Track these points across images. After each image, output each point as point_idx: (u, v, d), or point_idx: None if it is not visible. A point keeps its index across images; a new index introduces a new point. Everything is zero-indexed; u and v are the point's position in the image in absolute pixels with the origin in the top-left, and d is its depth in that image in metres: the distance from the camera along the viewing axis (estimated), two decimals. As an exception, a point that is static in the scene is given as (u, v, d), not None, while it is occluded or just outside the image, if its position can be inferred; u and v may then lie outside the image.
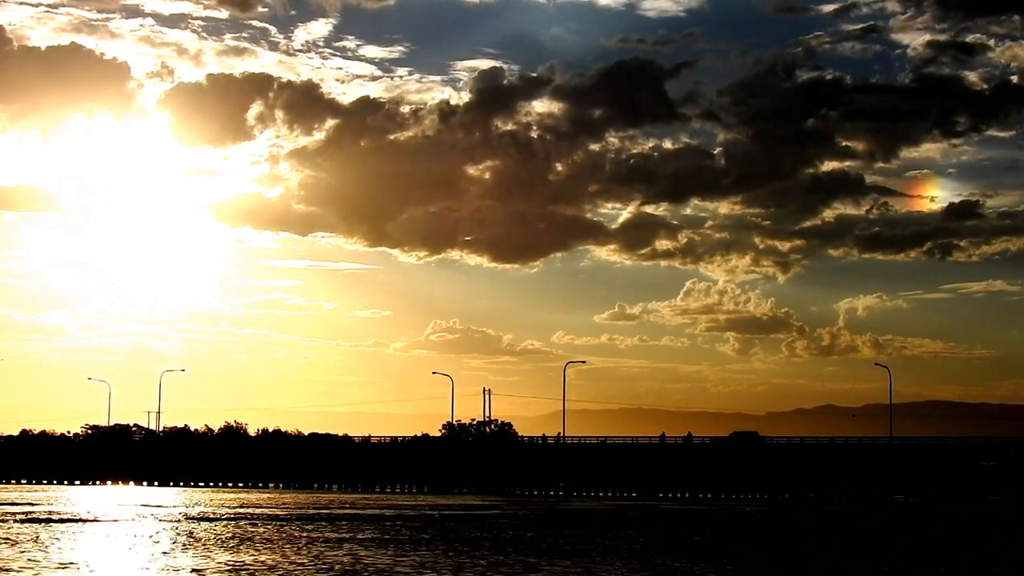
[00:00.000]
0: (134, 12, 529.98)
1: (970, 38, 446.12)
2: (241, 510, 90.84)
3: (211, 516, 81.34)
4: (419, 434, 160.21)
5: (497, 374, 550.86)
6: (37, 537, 59.95)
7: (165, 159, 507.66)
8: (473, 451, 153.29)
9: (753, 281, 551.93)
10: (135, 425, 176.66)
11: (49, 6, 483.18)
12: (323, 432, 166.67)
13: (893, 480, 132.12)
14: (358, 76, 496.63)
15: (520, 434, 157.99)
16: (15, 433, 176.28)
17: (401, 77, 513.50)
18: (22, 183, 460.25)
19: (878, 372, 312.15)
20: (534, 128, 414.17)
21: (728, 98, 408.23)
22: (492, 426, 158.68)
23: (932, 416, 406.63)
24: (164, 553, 52.27)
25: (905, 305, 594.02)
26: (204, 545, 56.28)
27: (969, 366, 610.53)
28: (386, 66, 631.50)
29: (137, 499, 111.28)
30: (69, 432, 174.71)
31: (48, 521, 73.58)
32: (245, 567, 46.27)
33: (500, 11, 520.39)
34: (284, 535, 63.23)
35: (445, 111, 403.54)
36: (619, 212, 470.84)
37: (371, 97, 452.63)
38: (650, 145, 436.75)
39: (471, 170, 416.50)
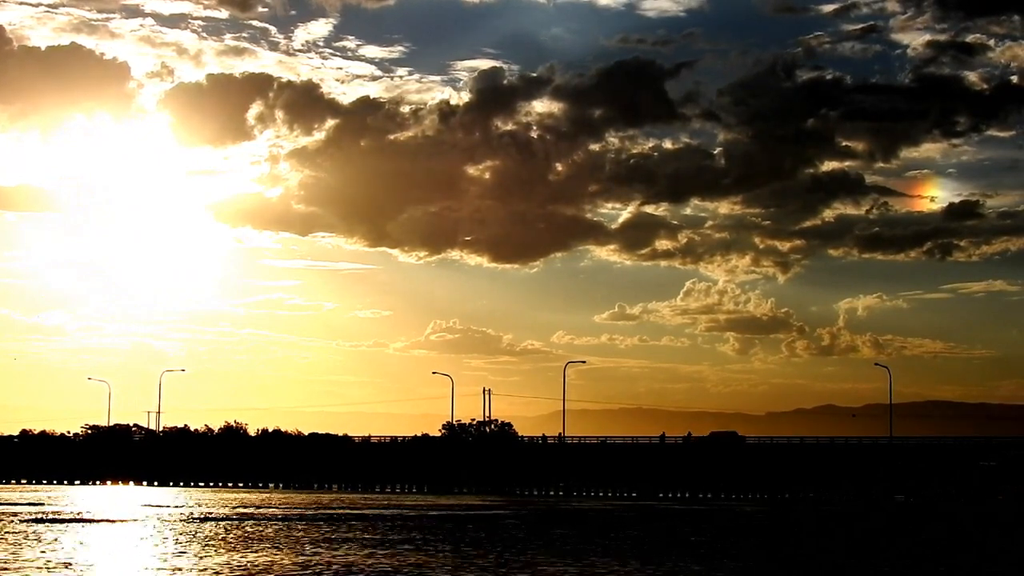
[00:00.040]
0: (134, 12, 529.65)
1: (970, 38, 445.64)
2: (242, 510, 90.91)
3: (213, 516, 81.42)
4: (419, 434, 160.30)
5: (497, 374, 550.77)
6: (40, 537, 60.02)
7: (165, 159, 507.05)
8: (473, 451, 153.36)
9: (753, 281, 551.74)
10: (135, 425, 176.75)
11: (49, 6, 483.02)
12: (323, 432, 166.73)
13: (893, 480, 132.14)
14: (358, 76, 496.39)
15: (520, 434, 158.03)
16: (15, 433, 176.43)
17: (401, 77, 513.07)
18: (22, 183, 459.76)
19: (878, 372, 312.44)
20: (534, 128, 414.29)
21: (728, 98, 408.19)
22: (492, 426, 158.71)
23: (932, 416, 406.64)
24: (172, 553, 52.32)
25: (905, 305, 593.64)
26: (207, 545, 56.35)
27: (969, 366, 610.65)
28: (386, 66, 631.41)
29: (138, 499, 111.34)
30: (69, 432, 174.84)
31: (55, 521, 73.65)
32: (247, 567, 46.34)
33: (500, 11, 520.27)
34: (286, 535, 63.31)
35: (445, 111, 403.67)
36: (619, 212, 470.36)
37: (371, 97, 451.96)
38: (650, 145, 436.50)
39: (471, 170, 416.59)
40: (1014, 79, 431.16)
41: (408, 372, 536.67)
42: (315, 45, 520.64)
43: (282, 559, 49.73)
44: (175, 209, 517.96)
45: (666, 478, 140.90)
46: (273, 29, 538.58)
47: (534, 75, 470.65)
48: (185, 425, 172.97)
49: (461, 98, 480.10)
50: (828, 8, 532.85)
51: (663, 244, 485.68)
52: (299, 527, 70.06)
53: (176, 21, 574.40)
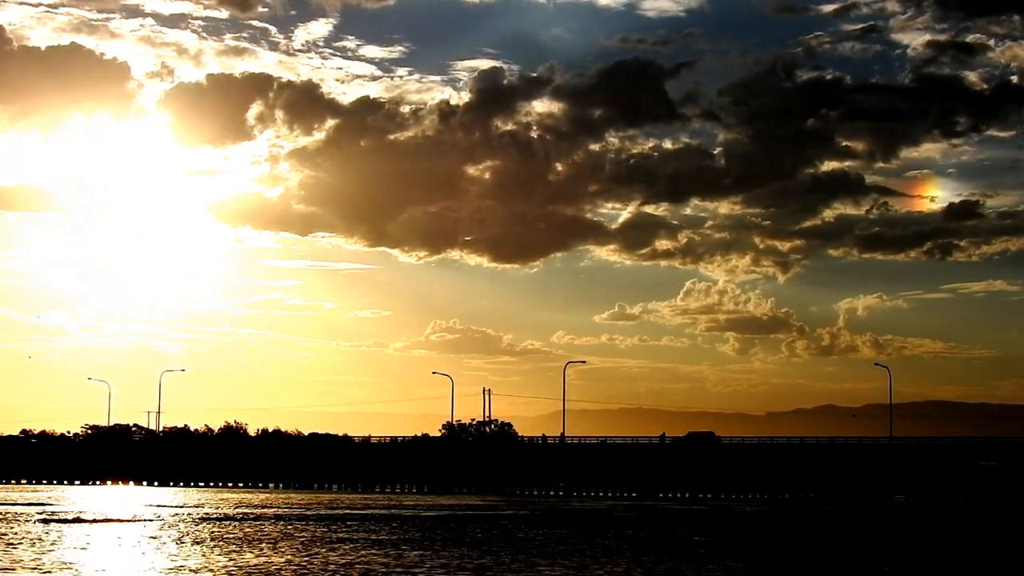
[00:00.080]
0: (134, 12, 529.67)
1: (970, 38, 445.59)
2: (243, 510, 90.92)
3: (214, 516, 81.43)
4: (419, 434, 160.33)
5: (497, 374, 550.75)
6: (41, 537, 60.03)
7: (165, 159, 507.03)
8: (473, 451, 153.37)
9: (753, 281, 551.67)
10: (135, 425, 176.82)
11: (49, 6, 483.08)
12: (323, 432, 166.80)
13: (893, 480, 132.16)
14: (358, 76, 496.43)
15: (520, 434, 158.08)
16: (15, 433, 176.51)
17: (401, 77, 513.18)
18: (22, 183, 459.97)
19: (878, 372, 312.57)
20: (534, 128, 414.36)
21: (728, 98, 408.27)
22: (492, 426, 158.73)
23: (932, 416, 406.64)
24: (172, 554, 52.34)
25: (905, 305, 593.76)
26: (207, 545, 56.36)
27: (969, 366, 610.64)
28: (386, 66, 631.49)
29: (139, 499, 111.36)
30: (69, 432, 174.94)
31: (55, 521, 73.66)
32: (248, 567, 46.35)
33: (500, 11, 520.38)
34: (287, 535, 63.32)
35: (445, 111, 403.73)
36: (619, 212, 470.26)
37: (371, 97, 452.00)
38: (650, 145, 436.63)
39: (471, 170, 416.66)
40: (1014, 79, 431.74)
41: (408, 372, 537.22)
42: (315, 45, 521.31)
43: (282, 559, 49.74)
44: (175, 209, 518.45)
45: (666, 478, 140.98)
46: (273, 29, 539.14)
47: (534, 75, 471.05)
48: (185, 425, 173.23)
49: (461, 98, 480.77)
50: (828, 8, 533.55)
51: (663, 244, 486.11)
52: (299, 527, 70.08)
53: (176, 21, 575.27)
